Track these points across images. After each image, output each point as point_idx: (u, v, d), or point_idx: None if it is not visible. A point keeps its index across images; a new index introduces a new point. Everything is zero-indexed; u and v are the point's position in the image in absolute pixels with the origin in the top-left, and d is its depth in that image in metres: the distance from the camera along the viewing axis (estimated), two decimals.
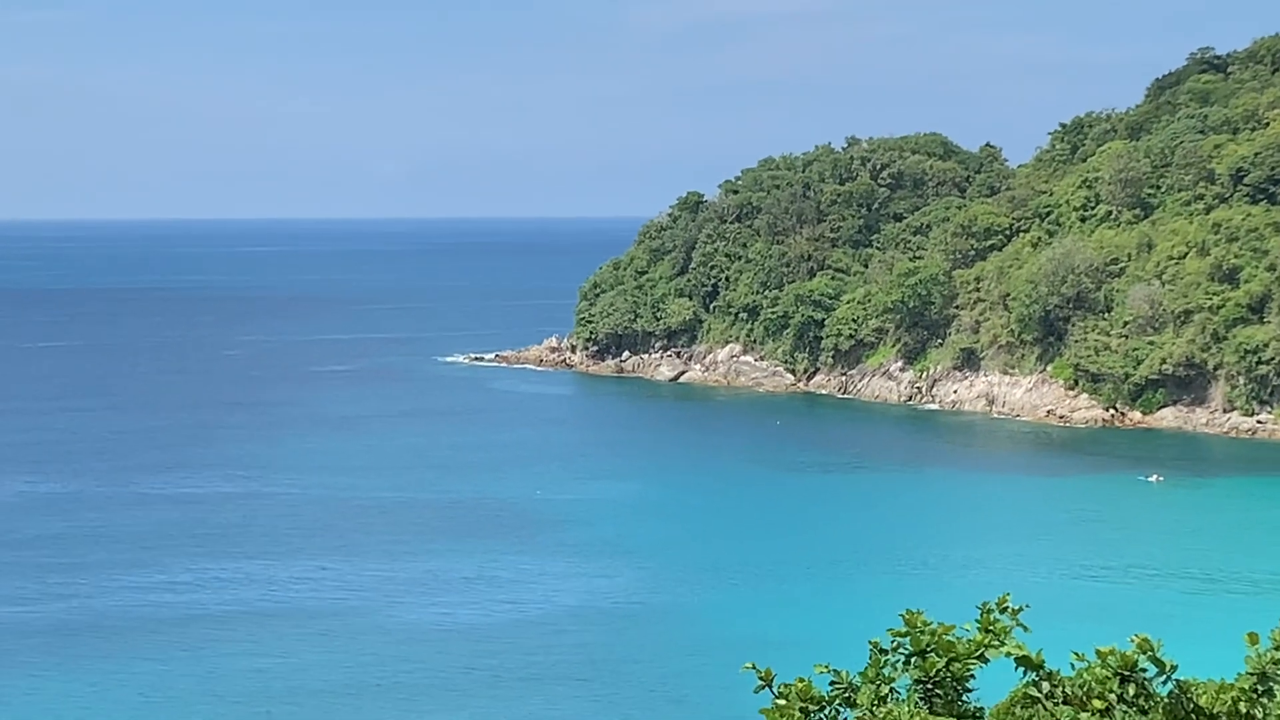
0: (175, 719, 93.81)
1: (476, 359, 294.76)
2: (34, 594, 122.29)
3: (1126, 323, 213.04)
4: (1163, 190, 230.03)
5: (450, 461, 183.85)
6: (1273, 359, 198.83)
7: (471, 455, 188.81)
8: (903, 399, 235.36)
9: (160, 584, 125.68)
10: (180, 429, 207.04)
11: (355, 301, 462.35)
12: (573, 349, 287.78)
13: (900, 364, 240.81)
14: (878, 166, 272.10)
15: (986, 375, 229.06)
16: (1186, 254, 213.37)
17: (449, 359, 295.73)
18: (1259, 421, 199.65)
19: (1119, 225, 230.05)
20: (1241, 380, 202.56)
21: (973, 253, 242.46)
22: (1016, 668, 13.85)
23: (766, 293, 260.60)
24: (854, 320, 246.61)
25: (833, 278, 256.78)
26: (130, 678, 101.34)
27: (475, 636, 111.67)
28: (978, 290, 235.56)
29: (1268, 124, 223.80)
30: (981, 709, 14.37)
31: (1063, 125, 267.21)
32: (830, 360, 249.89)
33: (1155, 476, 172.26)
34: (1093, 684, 13.56)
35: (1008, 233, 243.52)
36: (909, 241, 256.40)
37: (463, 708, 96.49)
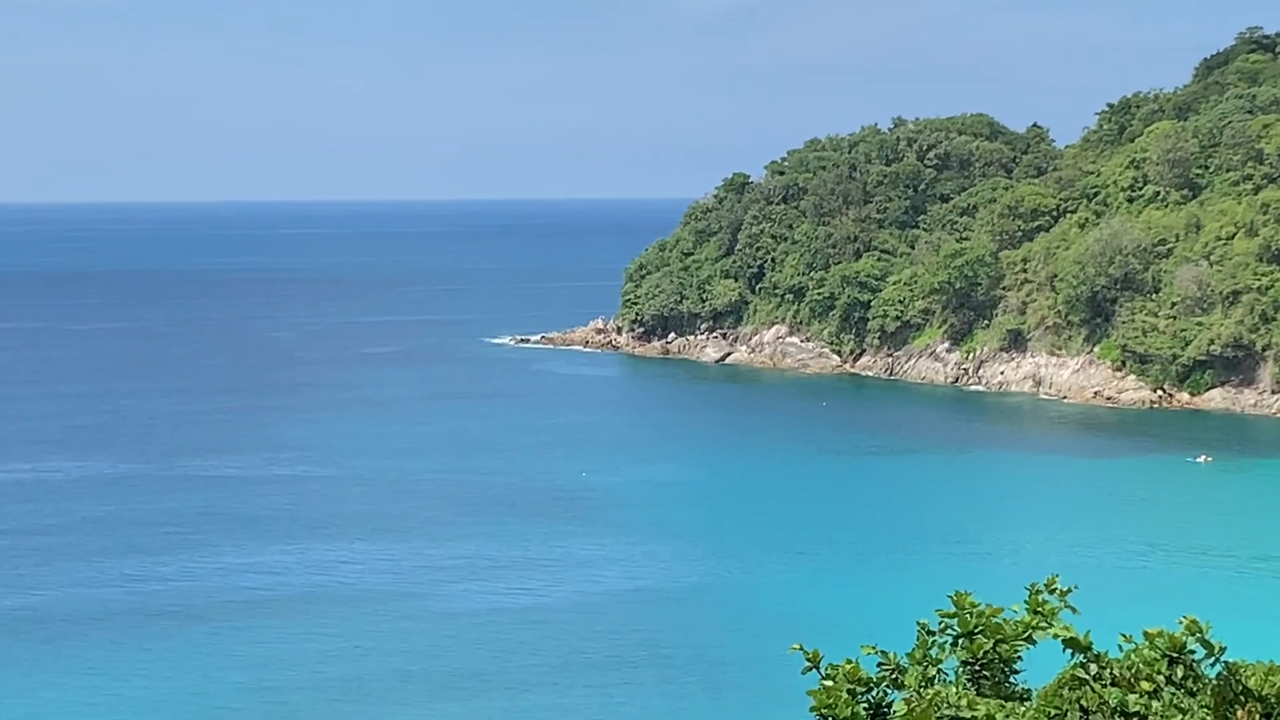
0: (227, 704, 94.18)
1: (522, 340, 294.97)
2: (85, 578, 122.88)
3: (1174, 304, 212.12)
4: (1211, 170, 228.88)
5: (496, 443, 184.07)
6: None
7: (517, 437, 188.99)
8: (949, 380, 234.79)
9: (209, 568, 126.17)
10: (227, 412, 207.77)
11: (402, 284, 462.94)
12: (618, 330, 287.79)
13: (946, 345, 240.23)
14: (924, 147, 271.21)
15: (1033, 356, 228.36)
16: (1235, 234, 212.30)
17: (495, 340, 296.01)
18: None
19: (1167, 206, 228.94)
20: None
21: (1020, 234, 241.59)
22: (1064, 649, 13.86)
23: (812, 274, 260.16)
24: (900, 301, 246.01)
25: (879, 259, 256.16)
26: (180, 662, 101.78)
27: (523, 619, 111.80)
28: (1024, 271, 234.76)
29: None
30: (1029, 690, 14.38)
31: (1110, 106, 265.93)
32: (876, 341, 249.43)
33: (1203, 458, 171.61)
34: (1141, 666, 13.55)
35: (1055, 213, 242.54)
36: (955, 222, 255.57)
37: (512, 691, 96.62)
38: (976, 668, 14.24)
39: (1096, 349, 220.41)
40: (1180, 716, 13.13)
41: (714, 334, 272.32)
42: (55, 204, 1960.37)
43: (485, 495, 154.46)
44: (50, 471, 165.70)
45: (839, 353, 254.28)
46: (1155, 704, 13.27)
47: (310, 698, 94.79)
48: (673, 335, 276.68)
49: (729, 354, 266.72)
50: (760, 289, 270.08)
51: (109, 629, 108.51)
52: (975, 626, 14.22)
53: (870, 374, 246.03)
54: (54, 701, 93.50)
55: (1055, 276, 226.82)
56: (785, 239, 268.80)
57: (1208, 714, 13.16)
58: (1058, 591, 14.54)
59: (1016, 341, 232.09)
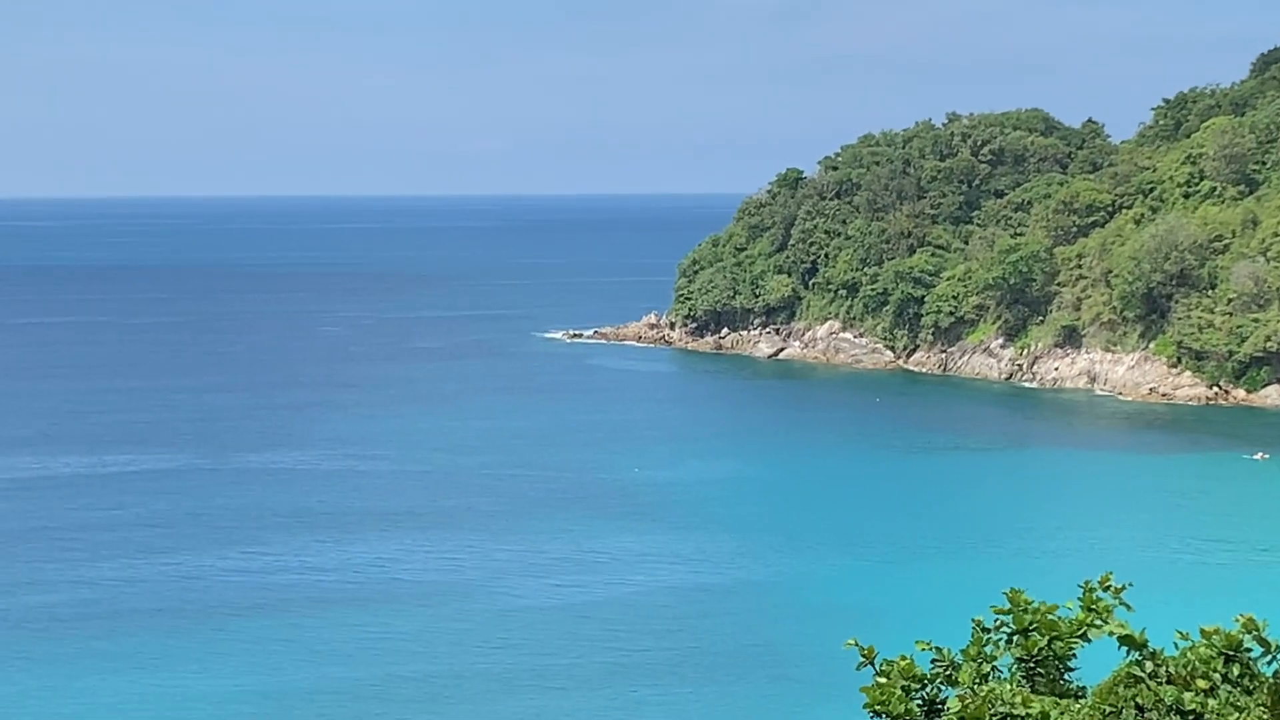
0: (286, 702, 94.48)
1: (575, 335, 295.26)
2: (140, 573, 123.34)
3: (1230, 300, 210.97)
4: (1268, 166, 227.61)
5: (549, 438, 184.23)
6: None
7: (570, 432, 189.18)
8: (1003, 377, 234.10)
9: (263, 563, 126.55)
10: (280, 406, 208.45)
11: (454, 278, 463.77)
12: (672, 325, 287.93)
13: (1001, 341, 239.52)
14: (978, 142, 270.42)
15: (1088, 353, 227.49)
16: None
17: (548, 335, 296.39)
18: None
19: (1223, 201, 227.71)
20: None
21: (1074, 229, 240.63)
22: (1119, 647, 13.82)
23: (866, 269, 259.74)
24: (954, 297, 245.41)
25: (933, 254, 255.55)
26: (237, 658, 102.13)
27: (578, 616, 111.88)
28: (1079, 267, 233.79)
29: None
30: (1084, 688, 14.35)
31: (1166, 101, 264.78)
32: (930, 337, 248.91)
33: (1260, 454, 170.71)
34: (1197, 663, 13.51)
35: (1110, 209, 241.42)
36: (1010, 218, 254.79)
37: (570, 689, 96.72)
38: (1031, 665, 14.22)
39: (1152, 345, 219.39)
40: (1237, 715, 13.08)
41: (767, 329, 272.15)
42: (95, 198, 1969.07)
43: (538, 490, 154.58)
44: (105, 466, 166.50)
45: (892, 348, 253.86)
46: (1211, 702, 13.23)
47: (370, 694, 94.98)
48: (726, 330, 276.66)
49: (782, 349, 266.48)
50: (813, 284, 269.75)
51: (164, 625, 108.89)
52: (1030, 623, 14.20)
53: (924, 370, 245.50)
54: (110, 698, 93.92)
55: (1110, 272, 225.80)
56: (839, 234, 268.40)
57: (1265, 712, 13.11)
58: (1113, 589, 14.51)
59: (1071, 338, 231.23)
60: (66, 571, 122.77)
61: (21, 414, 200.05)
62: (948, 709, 13.64)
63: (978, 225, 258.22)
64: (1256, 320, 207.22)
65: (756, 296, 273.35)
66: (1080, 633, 14.21)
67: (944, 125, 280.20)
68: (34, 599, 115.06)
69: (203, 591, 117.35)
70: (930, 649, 14.58)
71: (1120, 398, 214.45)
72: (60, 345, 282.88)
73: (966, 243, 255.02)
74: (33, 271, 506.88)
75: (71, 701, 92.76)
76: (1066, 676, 14.35)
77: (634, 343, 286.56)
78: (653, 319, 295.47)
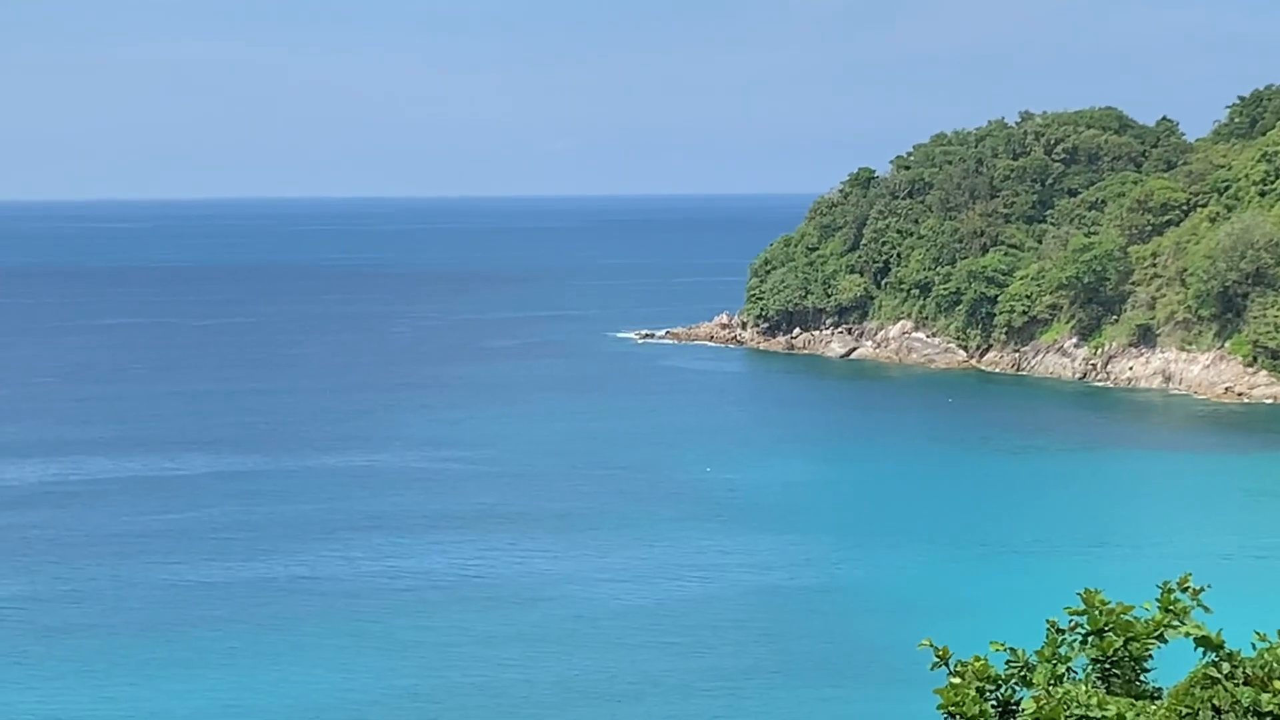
0: (354, 701, 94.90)
1: (647, 336, 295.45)
2: (217, 575, 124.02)
3: None
4: None
5: (621, 439, 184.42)
6: None
7: (643, 433, 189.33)
8: (1076, 376, 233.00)
9: (334, 564, 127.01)
10: (351, 408, 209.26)
11: (525, 279, 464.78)
12: (743, 326, 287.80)
13: (1074, 340, 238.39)
14: (1052, 141, 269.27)
15: (1163, 352, 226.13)
16: None
17: (619, 335, 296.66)
18: None
19: None
20: None
21: (1149, 228, 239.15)
22: (1196, 648, 13.73)
23: (938, 269, 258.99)
24: (1027, 296, 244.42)
25: (1006, 253, 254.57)
26: (312, 659, 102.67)
27: (650, 617, 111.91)
28: (1154, 266, 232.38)
29: None
30: (1160, 689, 14.27)
31: (1241, 99, 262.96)
32: (1003, 337, 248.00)
33: None
34: (1275, 665, 13.42)
35: (1185, 208, 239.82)
36: (1084, 217, 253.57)
37: (641, 693, 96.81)
38: (1106, 666, 14.16)
39: (1227, 344, 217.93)
40: None
41: (839, 329, 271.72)
42: (164, 200, 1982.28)
43: (611, 491, 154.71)
44: (179, 469, 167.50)
45: (965, 348, 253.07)
46: None
47: (443, 697, 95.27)
48: (798, 330, 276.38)
49: (854, 349, 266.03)
50: (886, 284, 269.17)
51: (237, 627, 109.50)
52: (1105, 624, 14.14)
53: (996, 369, 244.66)
54: (186, 700, 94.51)
55: (1185, 271, 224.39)
56: (911, 234, 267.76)
57: None
58: (1190, 590, 14.43)
59: (1145, 337, 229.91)
60: (143, 574, 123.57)
61: (95, 417, 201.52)
62: (1022, 710, 13.59)
63: (1051, 224, 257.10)
64: None
65: (829, 296, 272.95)
66: (1156, 634, 14.14)
67: (1017, 124, 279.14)
68: (115, 602, 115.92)
69: (275, 593, 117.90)
70: (1005, 650, 14.53)
71: (1195, 397, 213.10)
72: (132, 348, 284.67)
73: (1040, 242, 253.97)
74: (105, 274, 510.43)
75: (151, 704, 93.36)
76: (1142, 678, 14.28)
77: (706, 343, 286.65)
78: (724, 319, 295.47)
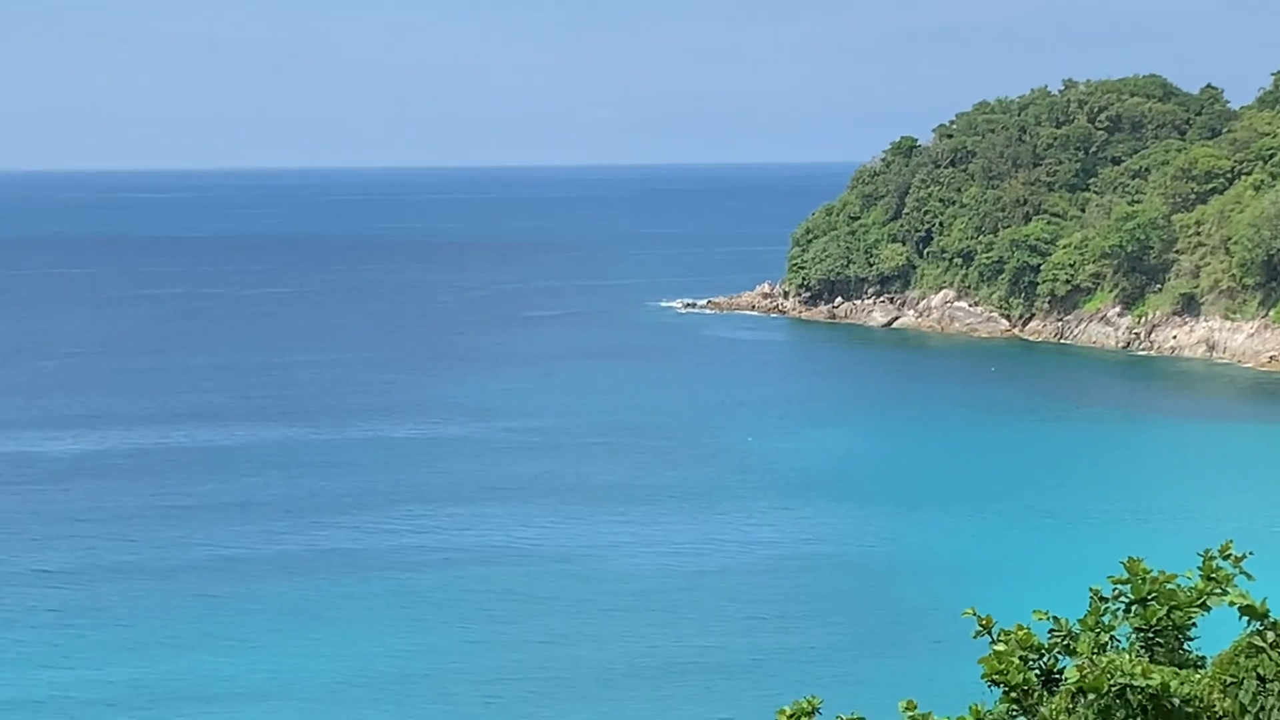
0: (401, 669, 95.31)
1: (689, 305, 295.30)
2: (267, 542, 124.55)
3: None
4: None
5: (663, 407, 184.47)
6: None
7: (684, 401, 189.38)
8: (1120, 345, 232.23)
9: (380, 532, 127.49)
10: (394, 376, 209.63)
11: (567, 248, 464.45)
12: (785, 295, 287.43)
13: (1118, 309, 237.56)
14: (1095, 109, 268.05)
15: (1207, 321, 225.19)
16: None
17: (662, 305, 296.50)
18: None
19: None
20: None
21: (1193, 196, 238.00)
22: (1240, 617, 13.73)
23: (981, 238, 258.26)
24: (1070, 265, 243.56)
25: (1049, 222, 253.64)
26: (356, 627, 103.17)
27: (692, 584, 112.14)
28: (1198, 234, 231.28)
29: None
30: (1203, 658, 14.27)
31: None
32: (1046, 306, 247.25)
33: None
34: None
35: (1229, 176, 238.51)
36: (1127, 185, 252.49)
37: (684, 662, 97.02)
38: (1150, 634, 14.16)
39: (1272, 313, 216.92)
40: None
41: (881, 298, 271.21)
42: (226, 170, 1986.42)
43: (652, 460, 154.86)
44: (226, 439, 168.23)
45: (1008, 317, 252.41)
46: None
47: (487, 666, 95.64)
48: (839, 300, 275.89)
49: (896, 318, 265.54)
50: (928, 253, 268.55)
51: (286, 598, 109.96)
52: (1148, 593, 14.14)
53: (1039, 339, 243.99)
54: (235, 669, 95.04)
55: (1229, 240, 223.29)
56: (953, 202, 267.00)
57: None
58: (1232, 558, 14.42)
59: (1189, 306, 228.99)
60: (191, 544, 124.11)
61: (138, 388, 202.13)
62: (1066, 679, 13.61)
63: (1094, 192, 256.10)
64: None
65: (870, 265, 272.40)
66: (1200, 602, 14.14)
67: (1060, 92, 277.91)
68: (162, 572, 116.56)
69: (318, 562, 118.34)
70: (1048, 618, 14.55)
71: (1239, 366, 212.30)
72: (175, 318, 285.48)
73: (1083, 210, 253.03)
74: (146, 244, 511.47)
75: (199, 673, 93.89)
76: (1186, 646, 14.28)
77: (747, 312, 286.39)
78: (766, 288, 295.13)
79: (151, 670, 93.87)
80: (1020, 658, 14.16)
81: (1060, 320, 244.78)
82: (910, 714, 14.93)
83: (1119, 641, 14.22)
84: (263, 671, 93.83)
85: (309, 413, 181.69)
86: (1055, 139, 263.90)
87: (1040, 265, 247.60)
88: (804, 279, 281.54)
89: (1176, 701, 13.04)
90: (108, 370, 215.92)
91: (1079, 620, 14.36)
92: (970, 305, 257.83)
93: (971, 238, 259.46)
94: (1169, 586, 14.11)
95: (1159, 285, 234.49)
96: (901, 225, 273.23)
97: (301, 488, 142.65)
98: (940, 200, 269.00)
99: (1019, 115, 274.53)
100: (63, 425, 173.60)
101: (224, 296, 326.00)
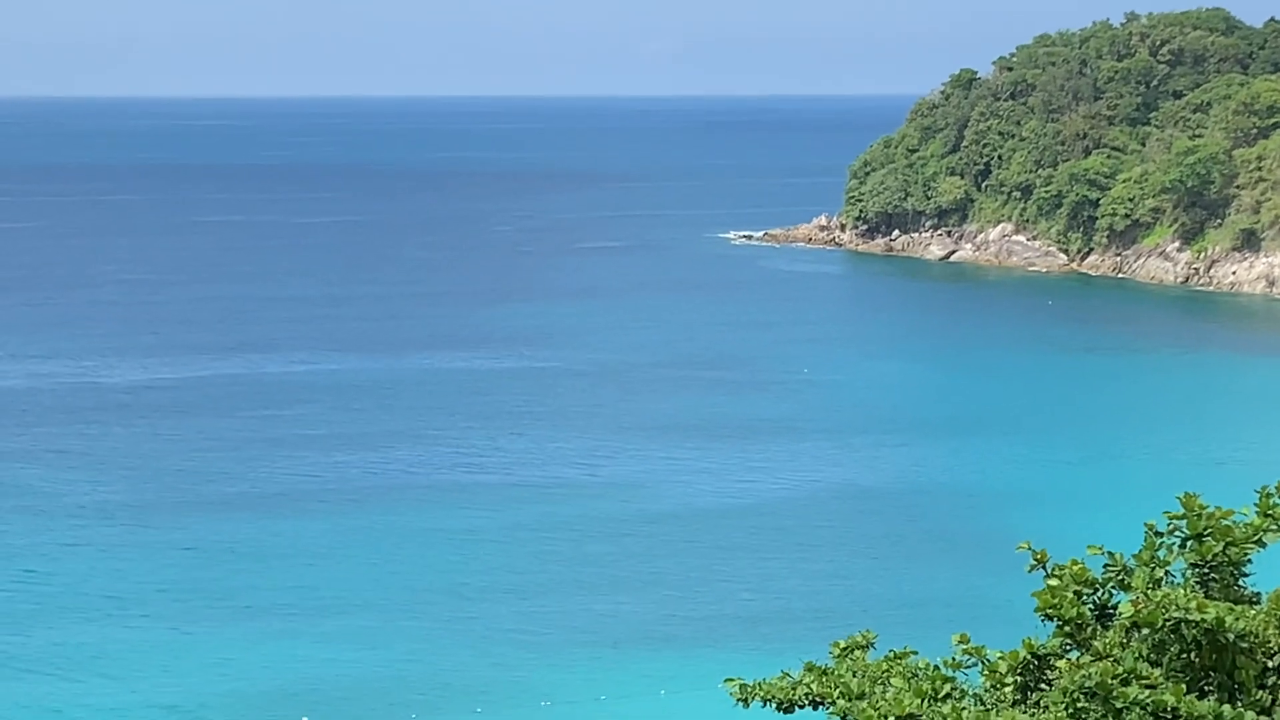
0: (458, 587, 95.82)
1: (746, 237, 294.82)
2: (325, 469, 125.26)
3: None
4: None
5: (719, 339, 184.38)
6: None
7: (740, 333, 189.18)
8: (1178, 280, 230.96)
9: (437, 459, 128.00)
10: (451, 306, 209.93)
11: (625, 179, 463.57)
12: (842, 228, 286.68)
13: (1177, 244, 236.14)
14: (1157, 43, 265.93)
15: (1267, 256, 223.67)
16: None
17: (719, 236, 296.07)
18: None
19: None
20: None
21: (1255, 131, 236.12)
22: None
23: (1040, 171, 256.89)
24: (1130, 200, 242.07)
25: (1108, 156, 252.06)
26: (418, 552, 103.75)
27: (751, 514, 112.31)
28: (1259, 169, 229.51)
29: None
30: (1258, 594, 14.28)
31: None
32: (1104, 240, 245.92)
33: None
34: None
35: None
36: (1188, 120, 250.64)
37: (744, 585, 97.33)
38: (1205, 570, 14.17)
39: None
40: None
41: (938, 232, 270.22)
42: (285, 98, 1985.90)
43: (709, 392, 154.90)
44: (285, 366, 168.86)
45: (1066, 251, 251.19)
46: None
47: (552, 586, 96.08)
48: (897, 233, 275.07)
49: (953, 252, 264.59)
50: (986, 186, 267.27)
51: (344, 522, 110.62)
52: (1204, 529, 14.14)
53: (1097, 273, 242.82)
54: (298, 585, 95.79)
55: None
56: (1013, 136, 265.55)
57: None
58: None
59: (1249, 241, 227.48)
60: (251, 472, 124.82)
61: (195, 317, 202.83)
62: (1120, 613, 13.64)
63: (1155, 127, 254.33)
64: None
65: (928, 199, 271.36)
66: (1255, 538, 14.13)
67: (1122, 25, 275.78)
68: (228, 495, 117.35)
69: (378, 489, 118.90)
70: (1102, 553, 14.58)
71: None
72: (232, 248, 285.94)
73: (1143, 145, 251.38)
74: (205, 171, 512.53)
75: (265, 587, 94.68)
76: (1241, 582, 14.28)
77: (804, 244, 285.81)
78: (823, 221, 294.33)
79: (212, 585, 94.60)
80: (1075, 592, 14.20)
81: (1119, 255, 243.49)
82: (964, 647, 14.98)
83: (1174, 577, 14.24)
84: (318, 590, 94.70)
85: (366, 343, 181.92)
86: (1116, 72, 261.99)
87: (1099, 199, 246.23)
88: (861, 212, 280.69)
89: (1231, 637, 13.06)
90: (163, 299, 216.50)
91: (1134, 555, 14.39)
92: (1028, 239, 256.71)
93: (1030, 171, 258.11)
94: (1225, 523, 14.10)
95: (1219, 220, 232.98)
96: (960, 158, 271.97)
97: (359, 417, 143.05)
98: (999, 133, 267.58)
99: (1080, 48, 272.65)
100: (115, 354, 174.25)
101: (282, 224, 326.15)
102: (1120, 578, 14.36)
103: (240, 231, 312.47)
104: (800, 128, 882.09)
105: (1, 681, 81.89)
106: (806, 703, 15.64)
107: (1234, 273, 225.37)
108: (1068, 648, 14.06)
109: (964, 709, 13.81)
